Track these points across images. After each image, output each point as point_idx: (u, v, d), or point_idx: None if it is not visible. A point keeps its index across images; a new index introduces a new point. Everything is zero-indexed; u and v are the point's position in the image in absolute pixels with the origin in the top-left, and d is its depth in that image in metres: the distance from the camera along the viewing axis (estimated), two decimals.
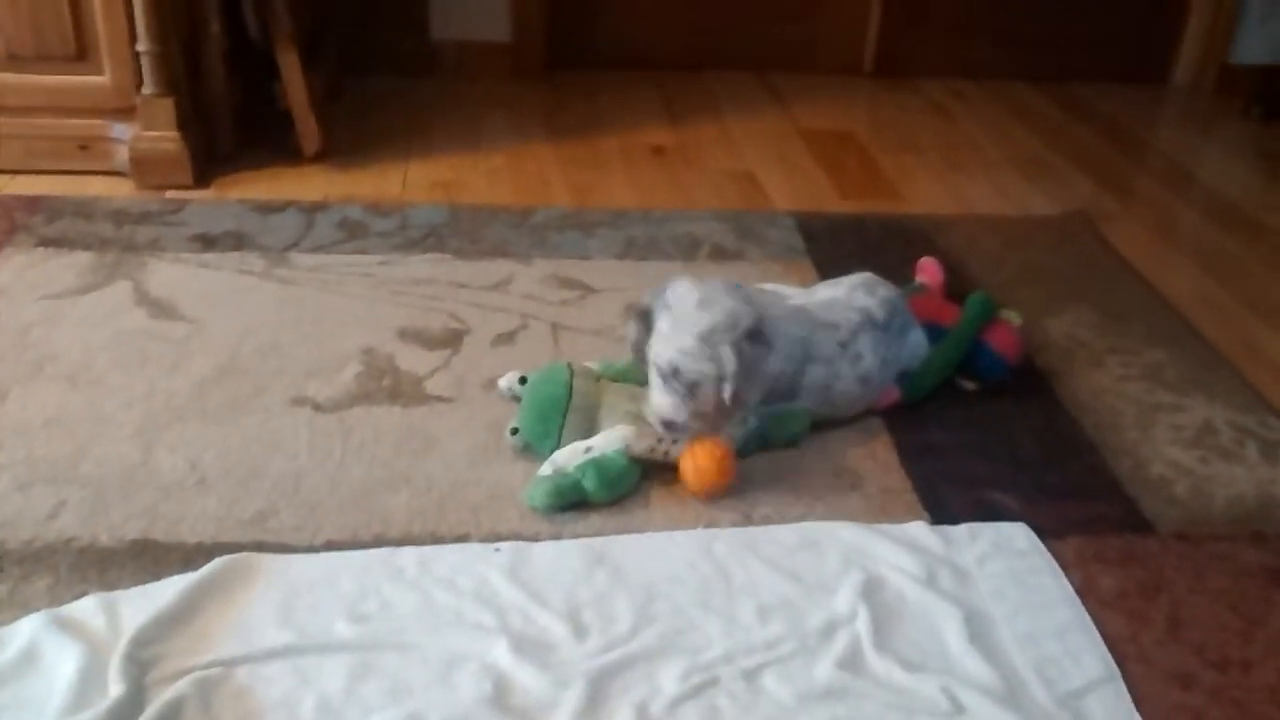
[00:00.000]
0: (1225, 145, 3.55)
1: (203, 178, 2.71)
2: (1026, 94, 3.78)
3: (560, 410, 1.78)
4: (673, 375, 1.71)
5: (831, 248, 2.56)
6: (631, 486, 1.73)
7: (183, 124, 2.63)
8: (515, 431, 1.78)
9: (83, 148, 2.67)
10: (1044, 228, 2.78)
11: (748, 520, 1.70)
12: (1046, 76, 3.86)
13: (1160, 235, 2.82)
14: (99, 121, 2.66)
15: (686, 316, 1.72)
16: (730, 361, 1.70)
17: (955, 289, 2.25)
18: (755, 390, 1.78)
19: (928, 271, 2.30)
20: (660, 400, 1.73)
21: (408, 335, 2.12)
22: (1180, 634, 1.54)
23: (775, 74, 3.77)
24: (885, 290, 2.00)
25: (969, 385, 2.04)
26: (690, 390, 1.72)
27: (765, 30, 3.76)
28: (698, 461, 1.71)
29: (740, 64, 3.79)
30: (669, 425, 1.73)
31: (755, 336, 1.74)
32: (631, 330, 1.79)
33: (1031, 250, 2.64)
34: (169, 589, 1.50)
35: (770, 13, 3.74)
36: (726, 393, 1.72)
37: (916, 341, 1.98)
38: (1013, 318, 2.14)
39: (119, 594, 1.49)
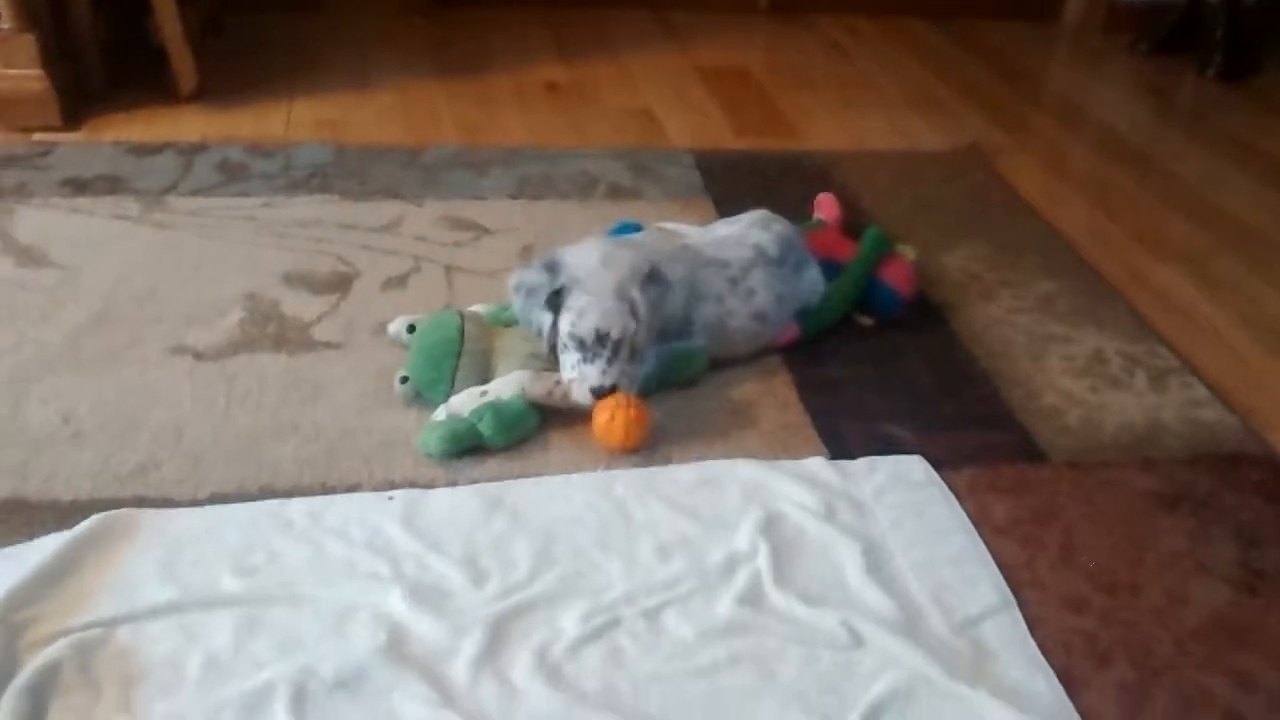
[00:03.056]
0: (1114, 81, 3.60)
1: (72, 118, 2.57)
2: (920, 30, 3.79)
3: (453, 355, 1.73)
4: (597, 341, 1.69)
5: (730, 185, 2.53)
6: (530, 430, 1.70)
7: (47, 61, 2.49)
8: (405, 380, 1.73)
9: None
10: (937, 162, 2.79)
11: (648, 461, 1.68)
12: (940, 12, 3.87)
13: (1051, 169, 2.86)
14: None
15: (596, 279, 1.72)
16: (644, 307, 1.71)
17: (851, 224, 2.25)
18: (652, 332, 1.76)
19: (825, 208, 2.29)
20: (586, 370, 1.71)
21: (293, 280, 2.05)
22: (1072, 559, 1.57)
23: (670, 11, 3.71)
24: (780, 226, 1.98)
25: (865, 320, 2.04)
26: (615, 349, 1.70)
27: None
28: (626, 417, 1.67)
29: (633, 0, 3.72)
30: (599, 392, 1.69)
31: (655, 277, 1.75)
32: (545, 319, 1.74)
33: (925, 185, 2.65)
34: (42, 548, 1.42)
35: None
36: (641, 338, 1.72)
37: (813, 278, 1.97)
38: (907, 252, 2.15)
39: None
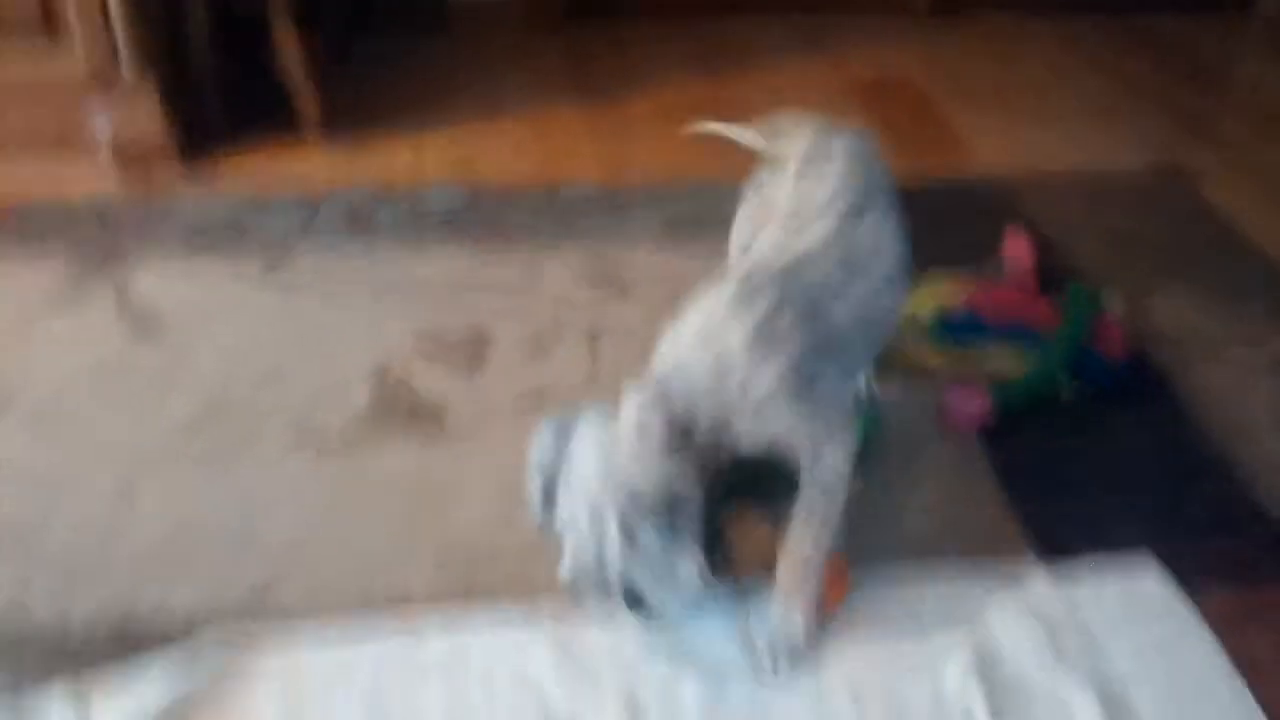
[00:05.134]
0: None
1: (193, 164, 2.43)
2: (1094, 28, 3.44)
3: None
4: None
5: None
6: None
7: (167, 107, 2.36)
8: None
9: (60, 135, 2.39)
10: (1131, 186, 2.47)
11: None
12: (1115, 7, 3.51)
13: (1267, 191, 2.51)
14: (73, 101, 2.38)
15: (577, 478, 1.27)
16: (613, 548, 1.23)
17: (1040, 262, 1.98)
18: (674, 581, 1.27)
19: (1017, 249, 2.00)
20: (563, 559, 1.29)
21: (425, 350, 1.86)
22: None
23: (820, 15, 3.43)
24: (840, 162, 1.53)
25: (1070, 392, 1.75)
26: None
27: None
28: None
29: (780, 5, 3.45)
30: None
31: (670, 505, 1.25)
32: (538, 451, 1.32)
33: (1120, 215, 2.34)
34: (150, 684, 1.26)
35: None
36: (612, 583, 1.25)
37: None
38: (1114, 303, 1.86)
39: (91, 688, 1.26)
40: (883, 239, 1.48)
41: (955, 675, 1.30)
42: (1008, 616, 1.38)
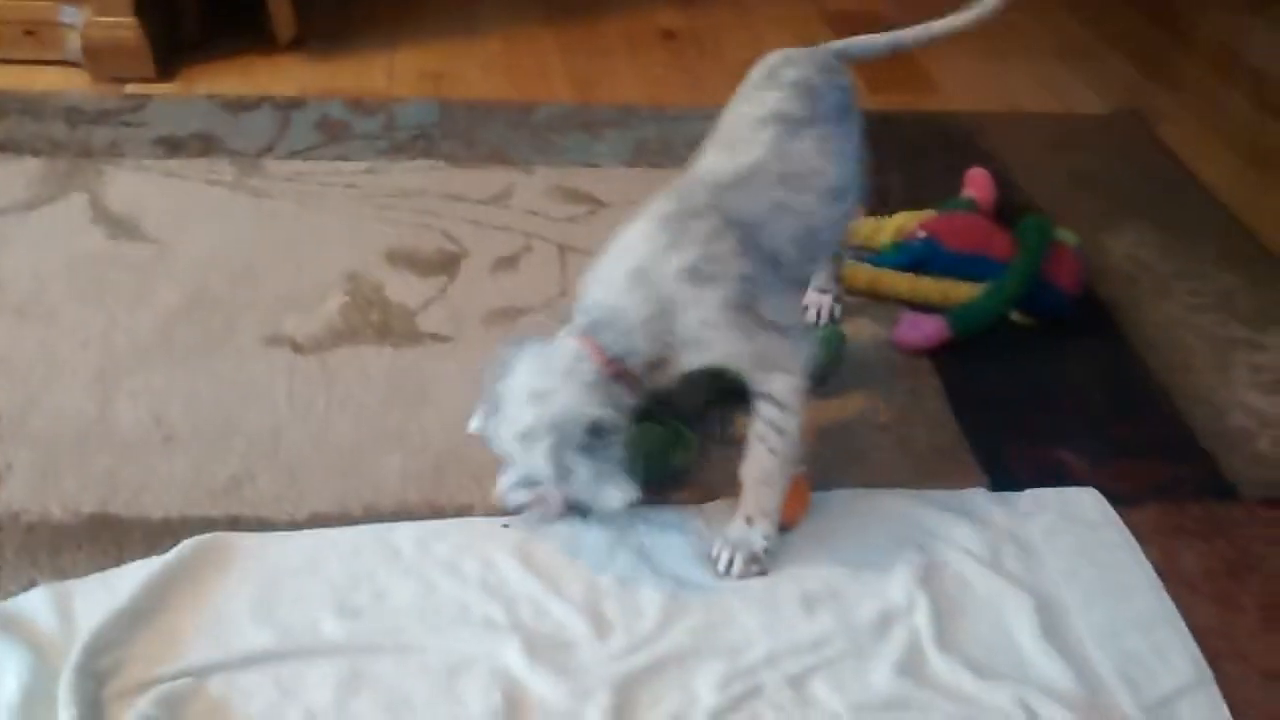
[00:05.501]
0: None
1: (166, 68, 2.43)
2: None
3: None
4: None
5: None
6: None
7: (140, 7, 2.34)
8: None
9: (29, 33, 2.38)
10: (1095, 128, 2.53)
11: None
12: None
13: (1224, 138, 2.57)
14: (46, 3, 2.36)
15: (512, 406, 1.33)
16: (547, 470, 1.30)
17: (1002, 201, 2.04)
18: (604, 486, 1.32)
19: (977, 185, 2.06)
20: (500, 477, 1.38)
21: (397, 259, 1.90)
22: (1277, 623, 1.37)
23: None
24: (794, 70, 1.55)
25: (1023, 320, 1.82)
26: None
27: None
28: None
29: None
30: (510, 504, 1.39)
31: (597, 433, 1.30)
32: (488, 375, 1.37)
33: (1081, 155, 2.40)
34: (130, 577, 1.31)
35: None
36: (552, 500, 1.36)
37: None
38: (1069, 239, 1.92)
39: (73, 584, 1.30)
40: (826, 156, 1.47)
41: (901, 586, 1.37)
42: (953, 532, 1.45)
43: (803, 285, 1.65)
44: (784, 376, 1.36)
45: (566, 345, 1.33)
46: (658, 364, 1.35)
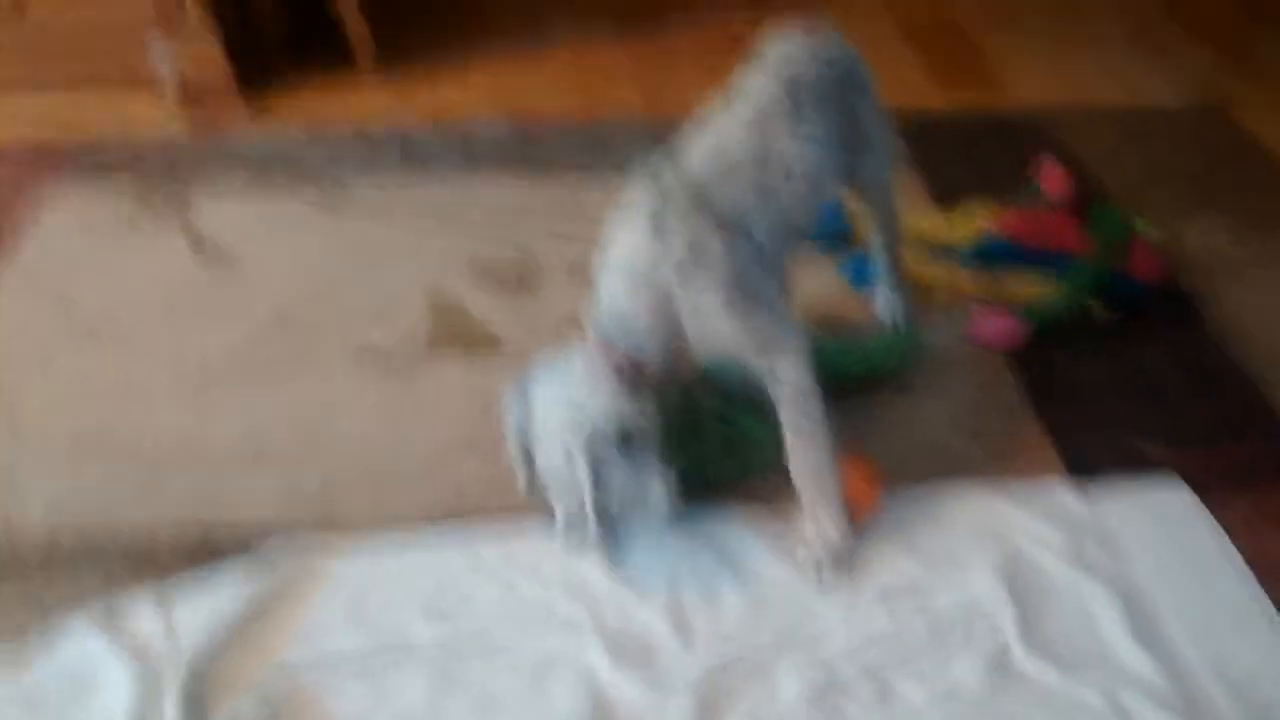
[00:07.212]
0: None
1: (251, 97, 2.51)
2: None
3: None
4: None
5: (936, 151, 2.30)
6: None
7: (229, 43, 2.43)
8: None
9: (122, 66, 2.47)
10: (1171, 120, 2.48)
11: None
12: None
13: None
14: (138, 38, 2.45)
15: (544, 433, 1.35)
16: (584, 473, 1.31)
17: (1075, 193, 2.03)
18: (645, 504, 1.37)
19: (1052, 180, 2.05)
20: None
21: (476, 271, 1.94)
22: None
23: None
24: (777, 54, 1.58)
25: (1101, 313, 1.80)
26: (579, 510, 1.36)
27: None
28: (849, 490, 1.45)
29: None
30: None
31: (626, 439, 1.33)
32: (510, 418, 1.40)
33: (1157, 146, 2.36)
34: (227, 586, 1.36)
35: None
36: (588, 508, 1.33)
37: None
38: (1149, 232, 1.90)
39: (174, 591, 1.36)
40: (803, 141, 1.47)
41: (983, 580, 1.37)
42: (1034, 525, 1.44)
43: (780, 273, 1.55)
44: (786, 355, 1.38)
45: (583, 360, 1.36)
46: (676, 357, 1.39)
